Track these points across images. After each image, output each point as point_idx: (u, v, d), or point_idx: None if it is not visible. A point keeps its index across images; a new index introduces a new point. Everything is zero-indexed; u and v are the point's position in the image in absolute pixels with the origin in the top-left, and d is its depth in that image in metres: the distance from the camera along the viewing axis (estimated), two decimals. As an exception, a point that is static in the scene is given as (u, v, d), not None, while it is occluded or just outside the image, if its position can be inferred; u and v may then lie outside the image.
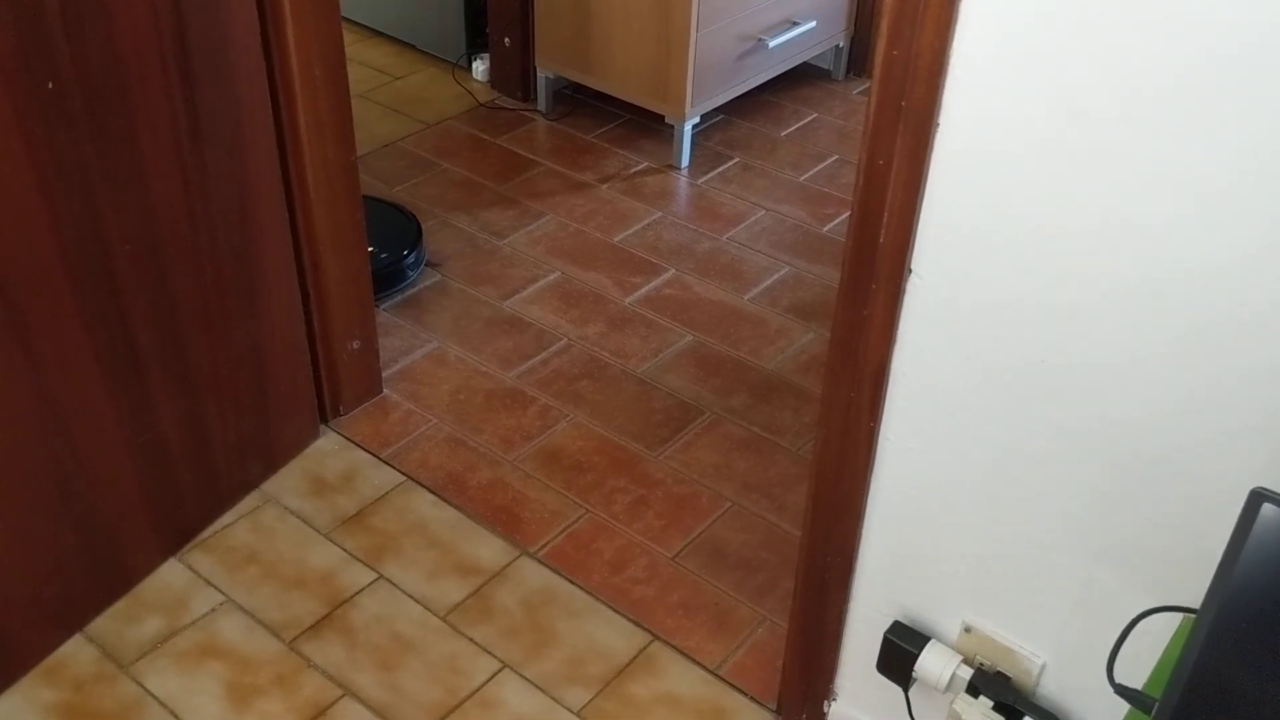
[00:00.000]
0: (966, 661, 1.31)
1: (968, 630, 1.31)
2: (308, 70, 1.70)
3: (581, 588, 1.76)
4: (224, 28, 1.55)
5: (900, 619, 1.36)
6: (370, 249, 2.24)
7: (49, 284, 1.43)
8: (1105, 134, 0.97)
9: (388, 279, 2.31)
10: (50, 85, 1.36)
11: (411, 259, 2.35)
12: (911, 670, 1.33)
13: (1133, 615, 1.10)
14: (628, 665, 1.65)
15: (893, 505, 1.30)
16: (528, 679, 1.63)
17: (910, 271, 1.14)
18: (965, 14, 1.01)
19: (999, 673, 1.30)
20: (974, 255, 1.10)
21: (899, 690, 1.37)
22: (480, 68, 3.09)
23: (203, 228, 1.62)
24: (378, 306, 2.25)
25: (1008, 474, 1.18)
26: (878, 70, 1.07)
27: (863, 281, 1.17)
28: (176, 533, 1.77)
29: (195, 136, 1.56)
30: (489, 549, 1.82)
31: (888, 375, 1.21)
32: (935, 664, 1.31)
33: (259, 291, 1.75)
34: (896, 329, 1.18)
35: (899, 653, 1.33)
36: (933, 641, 1.32)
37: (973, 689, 1.29)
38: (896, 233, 1.13)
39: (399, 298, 2.33)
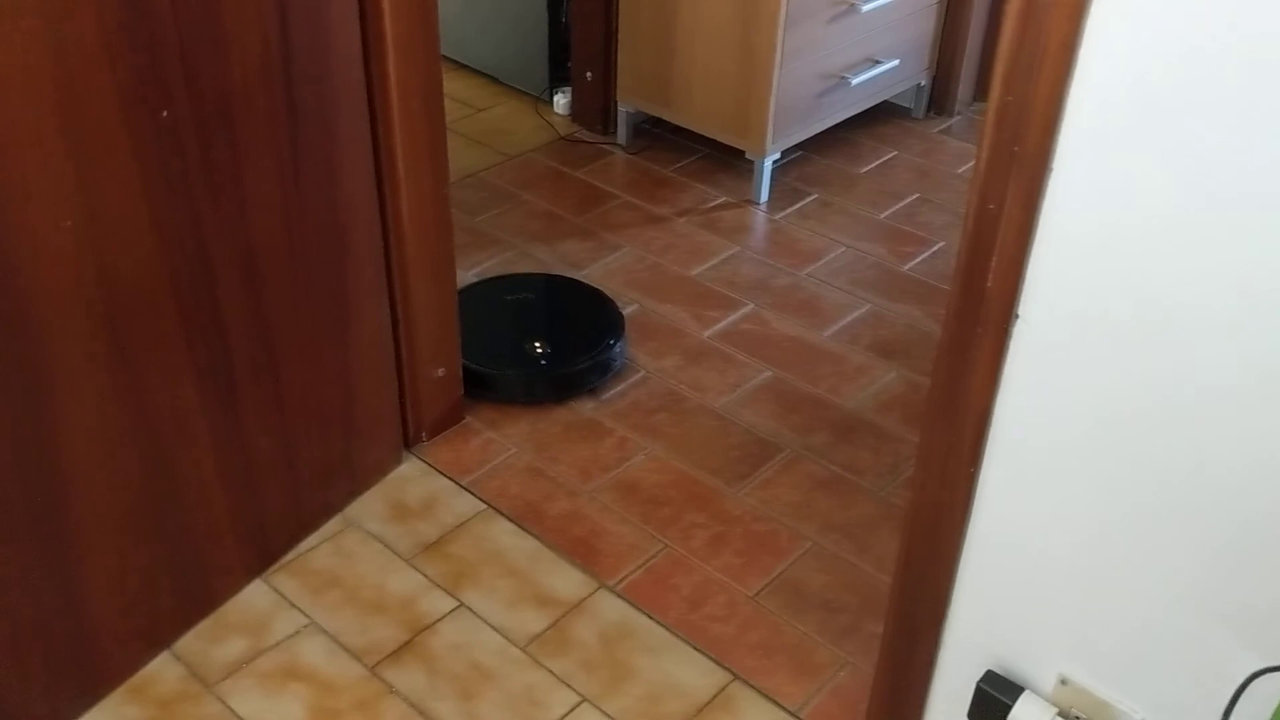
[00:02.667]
0: (1062, 714, 1.28)
1: (1064, 682, 1.28)
2: (407, 103, 1.72)
3: (660, 623, 1.75)
4: (329, 61, 1.58)
5: (993, 668, 1.33)
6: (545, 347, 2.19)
7: (154, 306, 1.46)
8: (1228, 181, 0.95)
9: (595, 370, 2.18)
10: (164, 114, 1.39)
11: (617, 348, 2.22)
12: (1004, 721, 1.30)
13: (1239, 674, 1.08)
14: (707, 704, 1.64)
15: (990, 553, 1.28)
16: (606, 713, 1.62)
17: (1018, 317, 1.13)
18: (1084, 60, 1.00)
19: (1095, 727, 1.27)
20: (1086, 301, 1.08)
21: (989, 741, 1.34)
22: (561, 101, 3.12)
23: (300, 255, 1.64)
24: (581, 404, 2.15)
25: (1113, 525, 1.16)
26: (991, 115, 1.07)
27: (968, 326, 1.16)
28: (261, 554, 1.80)
29: (297, 165, 1.59)
30: (567, 580, 1.82)
31: (990, 421, 1.20)
32: (1030, 716, 1.28)
33: (351, 318, 1.78)
34: (1001, 374, 1.17)
35: (992, 703, 1.31)
36: (1027, 692, 1.30)
37: (1068, 743, 1.26)
38: (1005, 277, 1.12)
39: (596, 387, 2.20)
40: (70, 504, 1.46)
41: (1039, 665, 1.30)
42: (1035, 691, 1.31)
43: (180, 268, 1.48)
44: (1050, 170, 1.06)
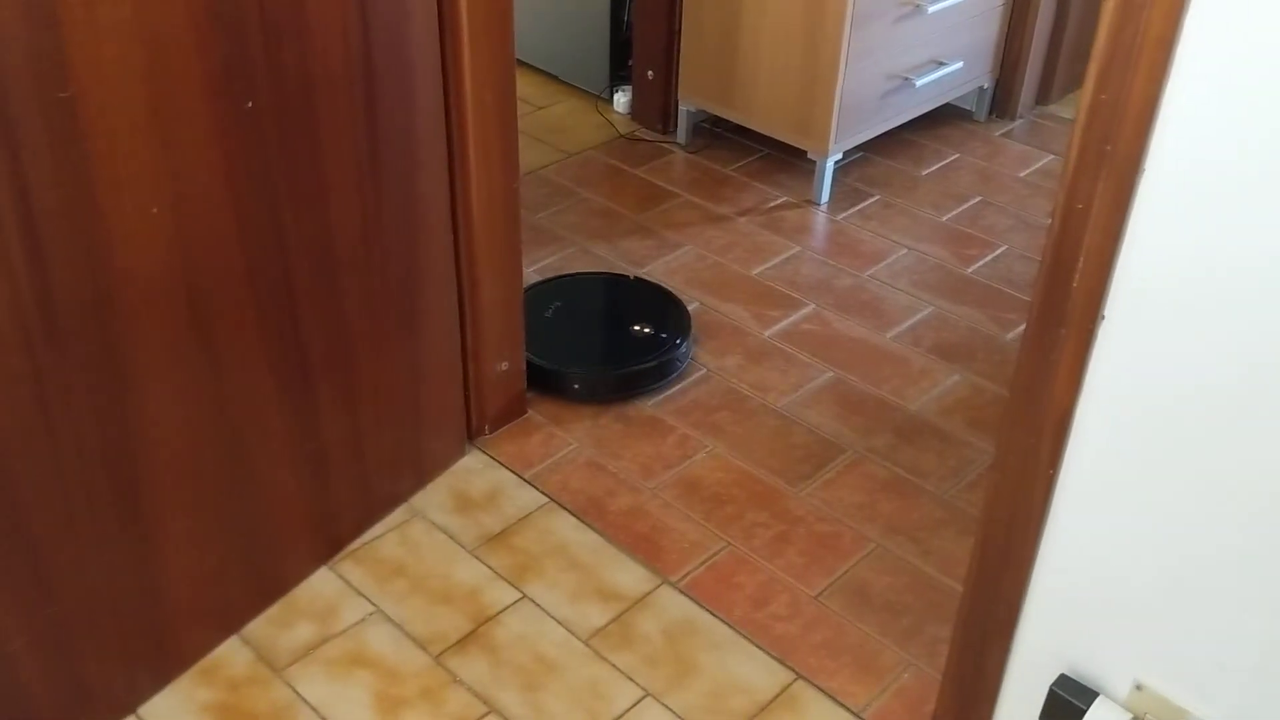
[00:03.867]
0: (1136, 720, 1.27)
1: (1139, 688, 1.27)
2: (480, 96, 1.74)
3: (723, 620, 1.75)
4: (407, 54, 1.60)
5: (1067, 672, 1.32)
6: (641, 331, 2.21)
7: (234, 294, 1.49)
8: (1331, 185, 0.94)
9: (658, 371, 2.18)
10: (249, 104, 1.41)
11: (683, 349, 2.23)
12: (1078, 726, 1.29)
13: (1326, 684, 1.06)
14: (770, 702, 1.63)
15: (1067, 556, 1.27)
16: (670, 709, 1.62)
17: (1104, 317, 1.12)
18: (1181, 58, 0.99)
19: (1171, 735, 1.26)
20: (1175, 304, 1.07)
21: (1060, 746, 1.33)
22: (621, 99, 3.13)
23: (374, 247, 1.66)
24: (642, 401, 2.14)
25: (1197, 531, 1.15)
26: (1082, 114, 1.06)
27: (1051, 326, 1.15)
28: (329, 542, 1.82)
29: (374, 158, 1.61)
30: (630, 575, 1.82)
31: (1071, 423, 1.19)
32: (1104, 721, 1.27)
33: (421, 310, 1.80)
34: (1084, 376, 1.16)
35: (1065, 707, 1.30)
36: (1101, 697, 1.29)
37: (1143, 750, 1.25)
38: (1091, 277, 1.11)
39: (663, 392, 2.17)
40: (150, 487, 1.49)
41: (1114, 670, 1.29)
42: (1109, 697, 1.30)
43: (259, 257, 1.50)
44: (1142, 170, 1.05)
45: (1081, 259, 1.11)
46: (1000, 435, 1.26)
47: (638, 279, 2.44)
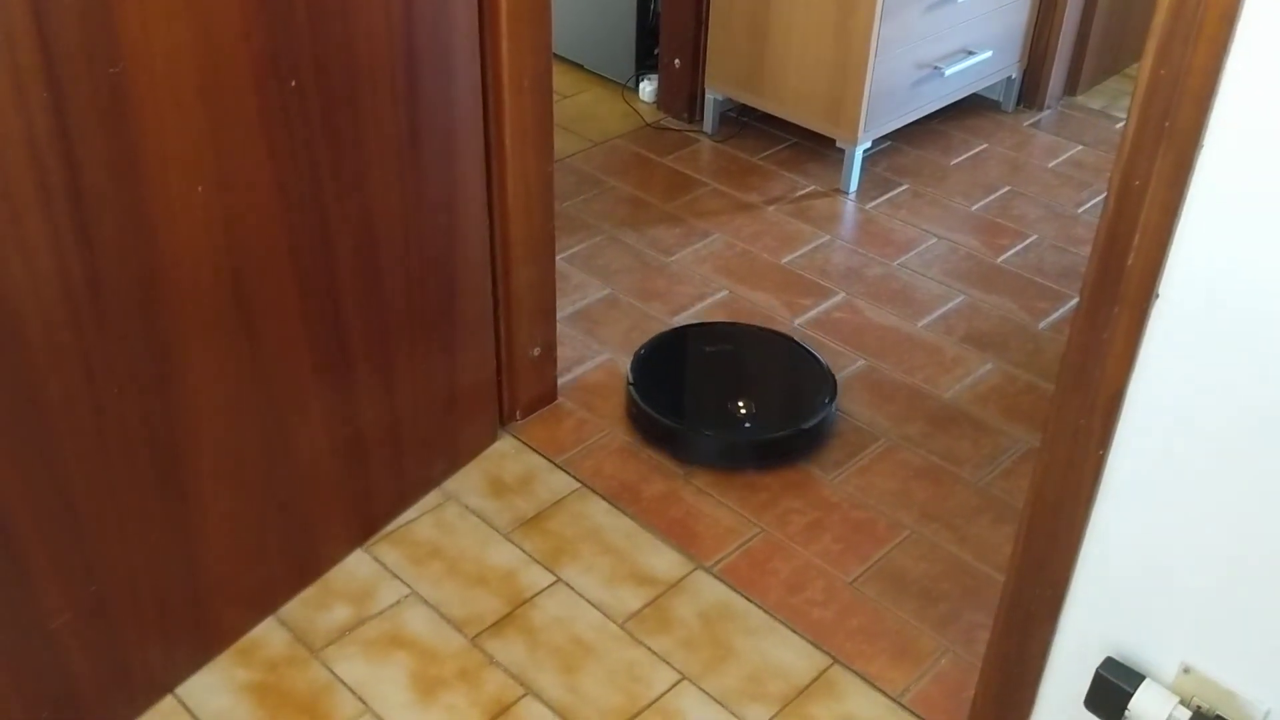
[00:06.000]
0: (1184, 703, 1.26)
1: (1186, 671, 1.26)
2: (518, 81, 1.74)
3: (759, 605, 1.75)
4: (448, 38, 1.60)
5: (1113, 655, 1.32)
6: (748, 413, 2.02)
7: (277, 275, 1.49)
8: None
9: (805, 436, 2.00)
10: (293, 84, 1.41)
11: (833, 408, 2.05)
12: (1125, 709, 1.28)
13: (1380, 666, 1.05)
14: (808, 686, 1.63)
15: (1115, 538, 1.26)
16: (707, 692, 1.62)
17: (1158, 296, 1.12)
18: (1243, 31, 0.98)
19: (1218, 716, 1.25)
20: (1231, 283, 1.06)
21: (1105, 729, 1.33)
22: (648, 88, 3.13)
23: (413, 230, 1.66)
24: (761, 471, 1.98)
25: (1249, 512, 1.14)
26: (1141, 90, 1.05)
27: (1105, 304, 1.15)
28: (364, 524, 1.82)
29: (414, 141, 1.61)
30: (664, 560, 1.82)
31: (1122, 403, 1.18)
32: (1151, 704, 1.26)
33: (456, 295, 1.80)
34: (1137, 355, 1.15)
35: (1111, 690, 1.29)
36: (1148, 680, 1.28)
37: (1190, 732, 1.24)
38: (1147, 255, 1.10)
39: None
40: (191, 466, 1.49)
41: (1161, 653, 1.28)
42: (1156, 680, 1.29)
43: (302, 237, 1.50)
44: (1201, 146, 1.04)
45: (1137, 236, 1.10)
46: (1049, 416, 1.26)
47: (773, 331, 2.24)
